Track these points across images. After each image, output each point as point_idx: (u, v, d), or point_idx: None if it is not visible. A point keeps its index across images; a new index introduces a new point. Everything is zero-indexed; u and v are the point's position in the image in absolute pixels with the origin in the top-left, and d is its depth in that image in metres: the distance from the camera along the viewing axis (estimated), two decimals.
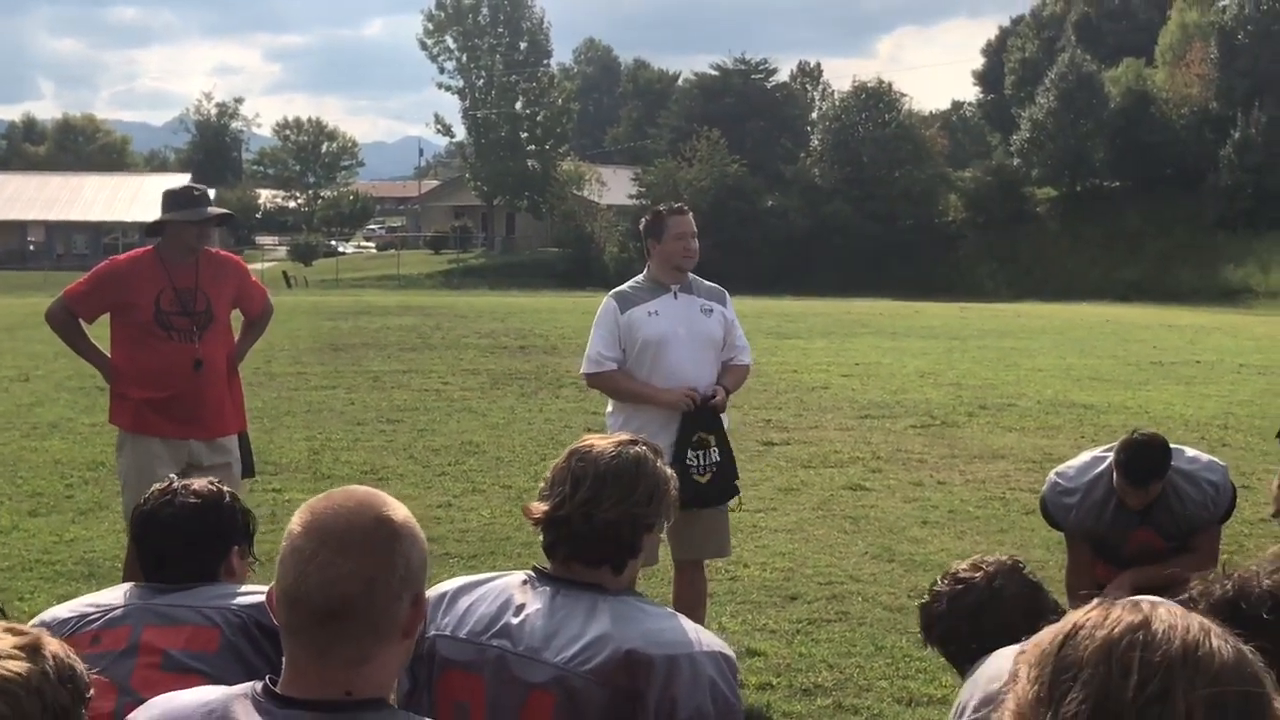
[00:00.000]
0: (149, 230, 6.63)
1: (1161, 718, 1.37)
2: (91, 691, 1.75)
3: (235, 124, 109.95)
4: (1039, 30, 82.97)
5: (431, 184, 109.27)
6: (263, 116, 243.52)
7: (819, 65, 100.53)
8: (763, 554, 8.54)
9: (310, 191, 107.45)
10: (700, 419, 6.12)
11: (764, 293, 46.68)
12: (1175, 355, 23.82)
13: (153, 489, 3.39)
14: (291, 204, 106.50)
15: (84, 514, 9.64)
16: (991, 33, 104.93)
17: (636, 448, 2.85)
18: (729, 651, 2.73)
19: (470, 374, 19.08)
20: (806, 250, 63.21)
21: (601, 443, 2.86)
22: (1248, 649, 1.47)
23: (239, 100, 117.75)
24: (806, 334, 27.67)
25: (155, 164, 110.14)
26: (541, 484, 2.89)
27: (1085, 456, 5.71)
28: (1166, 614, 1.46)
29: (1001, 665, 2.78)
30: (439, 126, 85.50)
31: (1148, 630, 1.43)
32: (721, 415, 6.25)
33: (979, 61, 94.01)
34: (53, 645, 1.70)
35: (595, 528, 2.75)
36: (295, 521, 2.11)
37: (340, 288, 58.32)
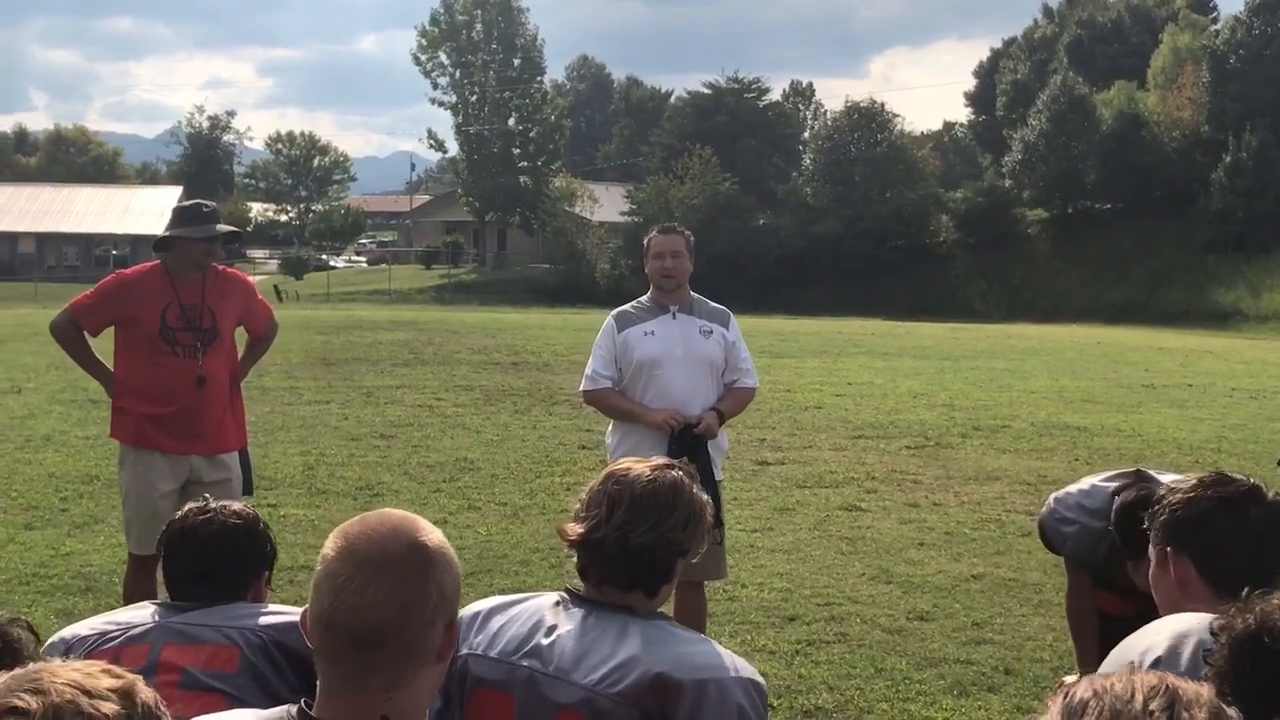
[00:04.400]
0: (157, 245, 6.62)
1: None
2: None
3: (227, 137, 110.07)
4: (1031, 52, 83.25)
5: (423, 199, 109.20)
6: (255, 130, 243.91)
7: (811, 85, 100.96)
8: (760, 574, 8.54)
9: (302, 205, 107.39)
10: (684, 444, 6.07)
11: (755, 311, 46.67)
12: (1167, 378, 23.85)
13: (190, 506, 3.39)
14: (283, 218, 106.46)
15: (79, 527, 9.62)
16: (983, 54, 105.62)
17: (674, 473, 2.85)
18: (759, 679, 2.72)
19: (463, 390, 19.07)
20: (798, 269, 63.28)
21: (638, 466, 2.87)
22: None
23: (231, 113, 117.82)
24: (799, 353, 27.67)
25: (147, 176, 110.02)
26: (576, 505, 2.89)
27: (1085, 484, 5.67)
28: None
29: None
30: (432, 142, 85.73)
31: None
32: (711, 443, 6.21)
33: (970, 83, 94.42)
34: (145, 694, 1.72)
35: (630, 551, 2.76)
36: (329, 546, 2.12)
37: (331, 302, 58.26)
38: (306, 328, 30.66)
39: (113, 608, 7.14)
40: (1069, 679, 6.06)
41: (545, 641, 2.73)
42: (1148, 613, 5.49)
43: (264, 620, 3.08)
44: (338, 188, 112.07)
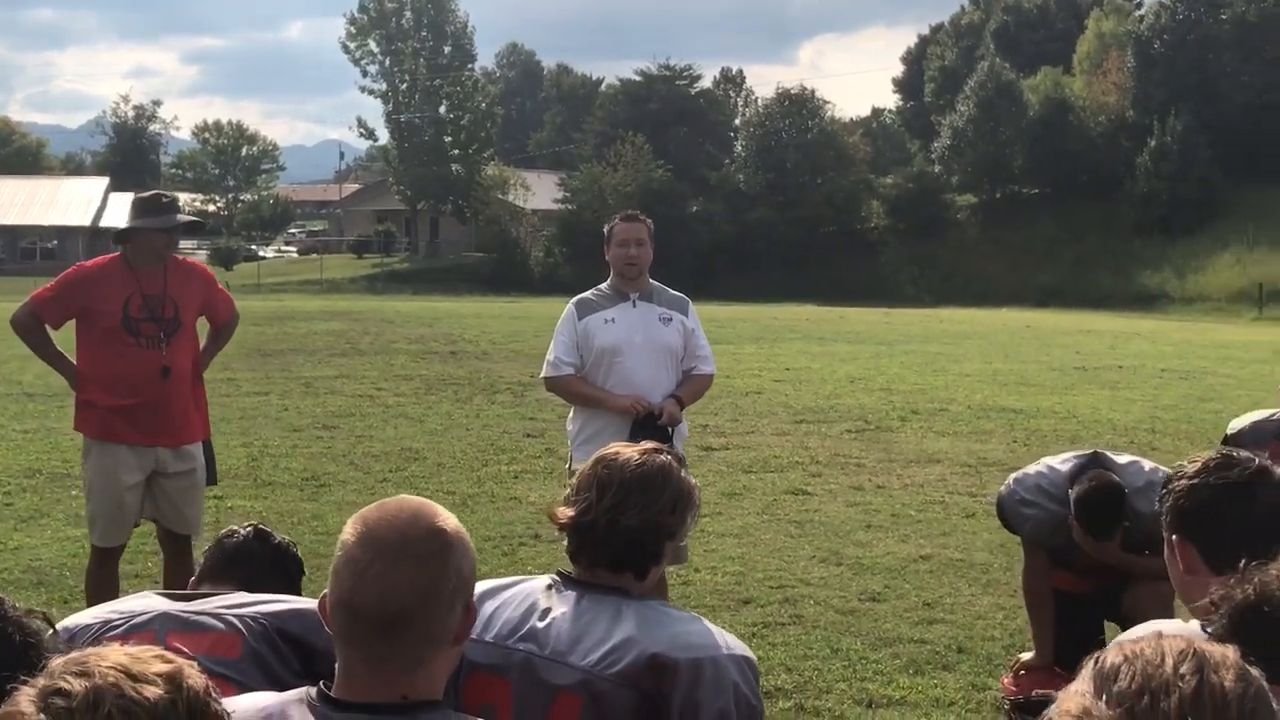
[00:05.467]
0: (118, 237, 6.59)
1: None
2: None
3: (153, 127, 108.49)
4: (958, 39, 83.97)
5: (353, 188, 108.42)
6: (181, 119, 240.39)
7: (742, 72, 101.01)
8: (712, 558, 8.61)
9: (230, 195, 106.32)
10: (647, 430, 6.12)
11: (690, 298, 46.68)
12: (1098, 360, 24.18)
13: (240, 530, 3.53)
14: (211, 208, 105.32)
15: (25, 522, 9.53)
16: (911, 41, 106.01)
17: (662, 457, 2.90)
18: (751, 655, 2.79)
19: (403, 379, 19.02)
20: (731, 256, 63.50)
21: (628, 451, 2.92)
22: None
23: (157, 103, 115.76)
24: (735, 339, 27.81)
25: (72, 167, 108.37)
26: (567, 490, 2.94)
27: (1043, 466, 5.76)
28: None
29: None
30: (362, 130, 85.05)
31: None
32: (673, 429, 6.28)
33: (899, 69, 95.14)
34: (195, 679, 1.74)
35: (619, 534, 2.81)
36: (348, 532, 2.16)
37: (262, 293, 57.68)
38: (239, 318, 30.35)
39: (65, 601, 7.16)
40: (1024, 656, 6.20)
41: (540, 625, 2.77)
42: (1105, 590, 5.64)
43: (265, 608, 3.11)
44: (266, 177, 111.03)
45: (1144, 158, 59.39)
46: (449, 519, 2.22)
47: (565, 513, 2.88)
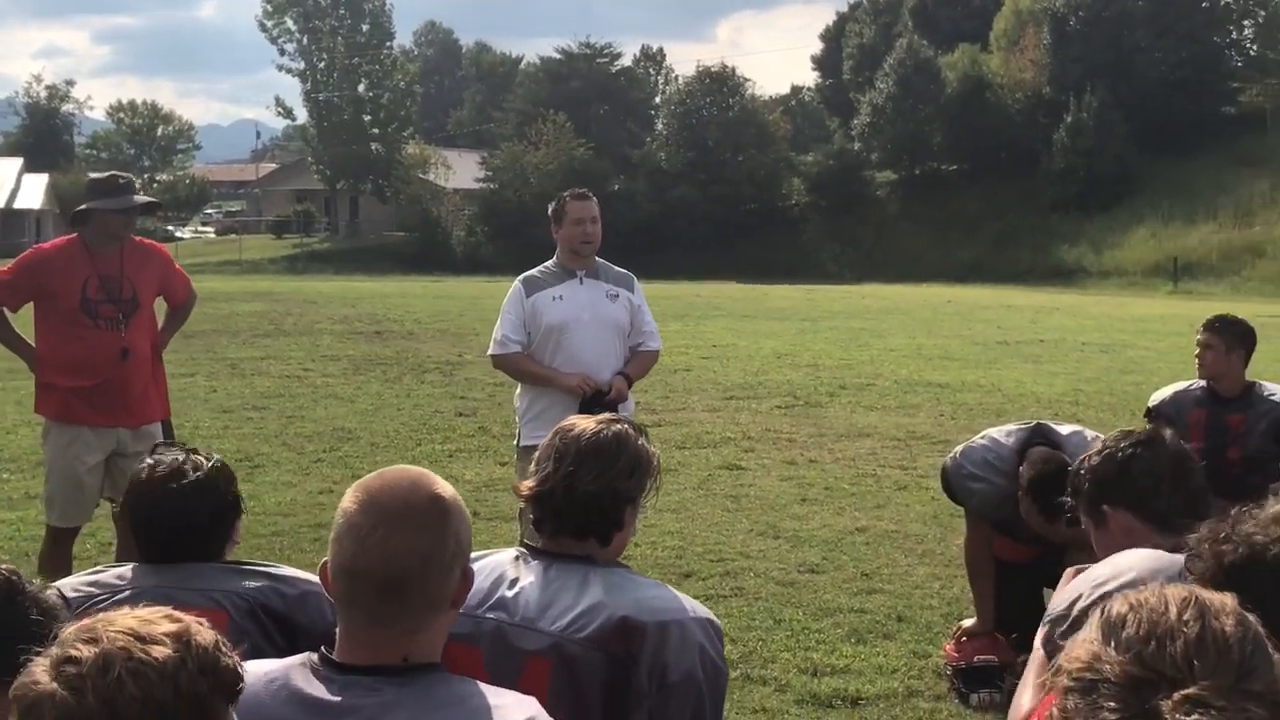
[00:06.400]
0: (74, 219, 6.55)
1: None
2: (242, 685, 1.82)
3: (67, 107, 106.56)
4: (876, 16, 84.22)
5: (269, 167, 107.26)
6: (95, 99, 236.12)
7: (662, 49, 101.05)
8: (652, 533, 8.68)
9: (146, 176, 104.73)
10: (595, 408, 6.17)
11: None
12: (1019, 334, 24.53)
13: (156, 463, 3.33)
14: None
15: None
16: (829, 18, 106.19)
17: (617, 426, 2.97)
18: (715, 618, 2.85)
19: (330, 360, 18.95)
20: (654, 234, 63.48)
21: (584, 422, 2.98)
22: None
23: (70, 83, 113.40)
24: (661, 316, 27.38)
25: None
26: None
27: (987, 439, 5.85)
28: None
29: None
30: (280, 109, 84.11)
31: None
32: (623, 406, 6.33)
33: (817, 46, 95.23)
34: (204, 636, 1.79)
35: (578, 500, 2.86)
36: (349, 500, 2.21)
37: None
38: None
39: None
40: (966, 623, 6.31)
41: (510, 594, 2.82)
42: (1044, 558, 5.74)
43: (249, 584, 3.14)
44: (182, 157, 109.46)
45: (1061, 134, 59.95)
46: (446, 487, 2.29)
47: (528, 485, 2.94)
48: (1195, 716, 1.53)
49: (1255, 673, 1.60)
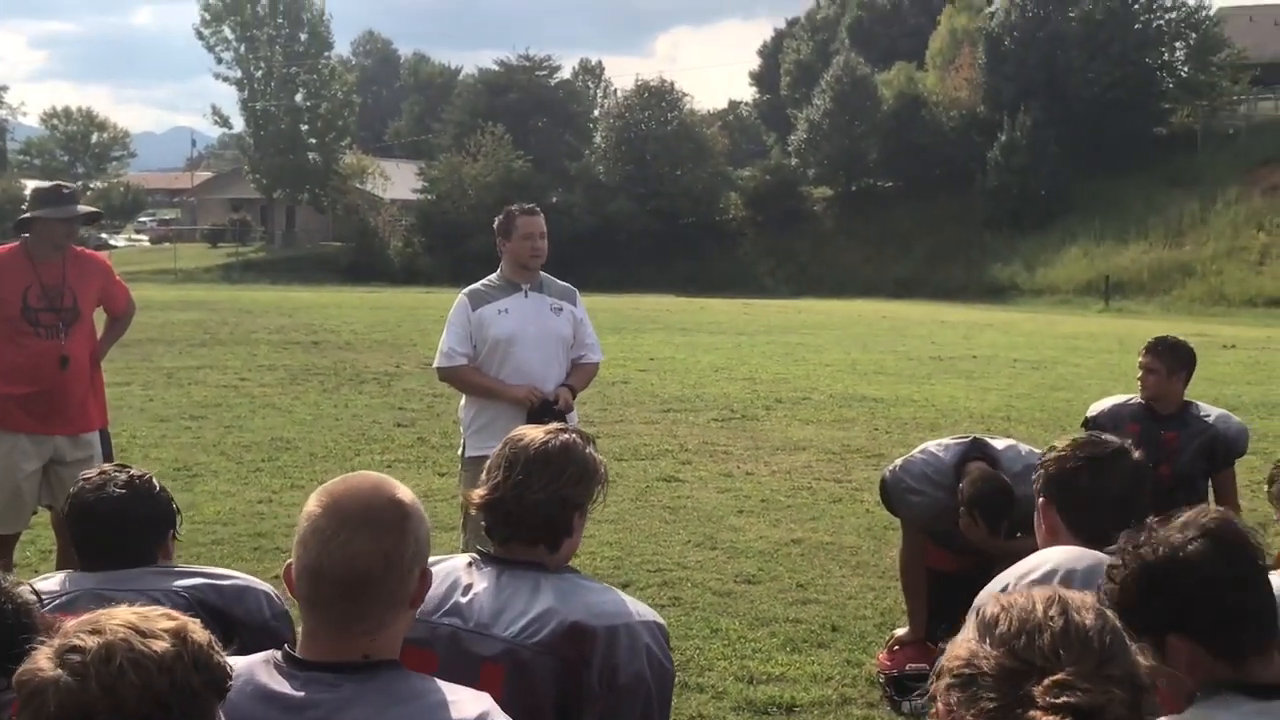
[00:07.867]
0: (17, 227, 6.60)
1: None
2: (231, 684, 1.93)
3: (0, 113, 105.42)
4: (813, 33, 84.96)
5: (204, 175, 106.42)
6: (28, 105, 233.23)
7: (601, 63, 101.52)
8: (590, 544, 8.75)
9: (80, 183, 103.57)
10: (543, 418, 6.25)
11: None
12: (952, 350, 24.82)
13: (87, 479, 3.48)
14: None
15: None
16: (766, 34, 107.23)
17: (565, 435, 3.08)
18: (661, 620, 2.97)
19: (267, 370, 18.93)
20: (591, 247, 63.53)
21: (534, 432, 3.09)
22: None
23: (3, 88, 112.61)
24: (599, 329, 27.38)
25: None
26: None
27: (925, 453, 5.97)
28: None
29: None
30: (216, 118, 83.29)
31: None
32: (567, 417, 6.42)
33: (755, 62, 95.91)
34: (197, 634, 1.90)
35: (527, 508, 2.96)
36: (313, 504, 2.31)
37: None
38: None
39: None
40: (899, 632, 6.46)
41: (464, 600, 2.91)
42: (977, 567, 5.88)
43: (184, 581, 3.26)
44: (117, 164, 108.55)
45: (995, 152, 60.55)
46: (406, 491, 2.39)
47: (479, 494, 3.03)
48: (1064, 699, 1.72)
49: (1115, 659, 1.80)
